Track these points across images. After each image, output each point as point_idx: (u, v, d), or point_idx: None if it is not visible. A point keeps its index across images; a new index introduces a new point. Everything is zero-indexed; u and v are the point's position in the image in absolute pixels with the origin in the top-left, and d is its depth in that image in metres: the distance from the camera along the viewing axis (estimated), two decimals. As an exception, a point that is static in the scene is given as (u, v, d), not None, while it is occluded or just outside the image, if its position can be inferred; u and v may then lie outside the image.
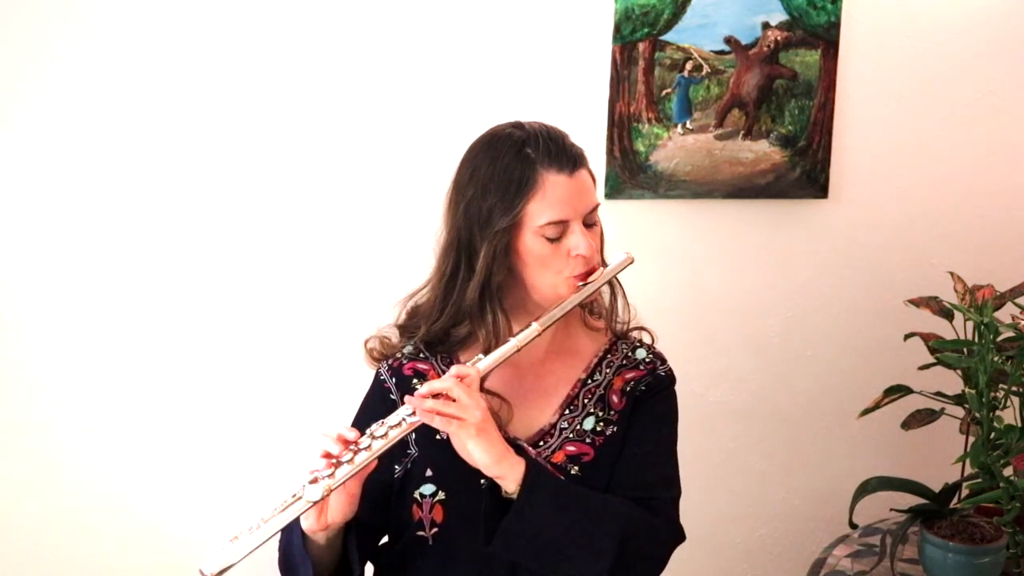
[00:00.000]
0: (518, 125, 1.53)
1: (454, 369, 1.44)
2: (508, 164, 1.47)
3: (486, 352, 1.48)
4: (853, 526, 2.02)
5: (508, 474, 1.42)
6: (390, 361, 1.60)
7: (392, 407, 1.54)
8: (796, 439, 2.50)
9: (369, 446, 1.39)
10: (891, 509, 2.11)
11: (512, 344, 1.46)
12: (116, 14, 2.02)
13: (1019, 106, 2.45)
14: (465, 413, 1.40)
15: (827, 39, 2.28)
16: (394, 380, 1.58)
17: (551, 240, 1.47)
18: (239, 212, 2.14)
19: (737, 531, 2.51)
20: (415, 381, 1.57)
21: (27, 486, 2.15)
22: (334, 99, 2.13)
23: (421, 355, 1.59)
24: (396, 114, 2.16)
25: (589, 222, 1.50)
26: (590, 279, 1.49)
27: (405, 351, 1.60)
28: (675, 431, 1.65)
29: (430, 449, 1.53)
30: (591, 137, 2.22)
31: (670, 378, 1.63)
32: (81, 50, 2.02)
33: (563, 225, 1.47)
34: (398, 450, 1.54)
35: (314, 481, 1.36)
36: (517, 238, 1.47)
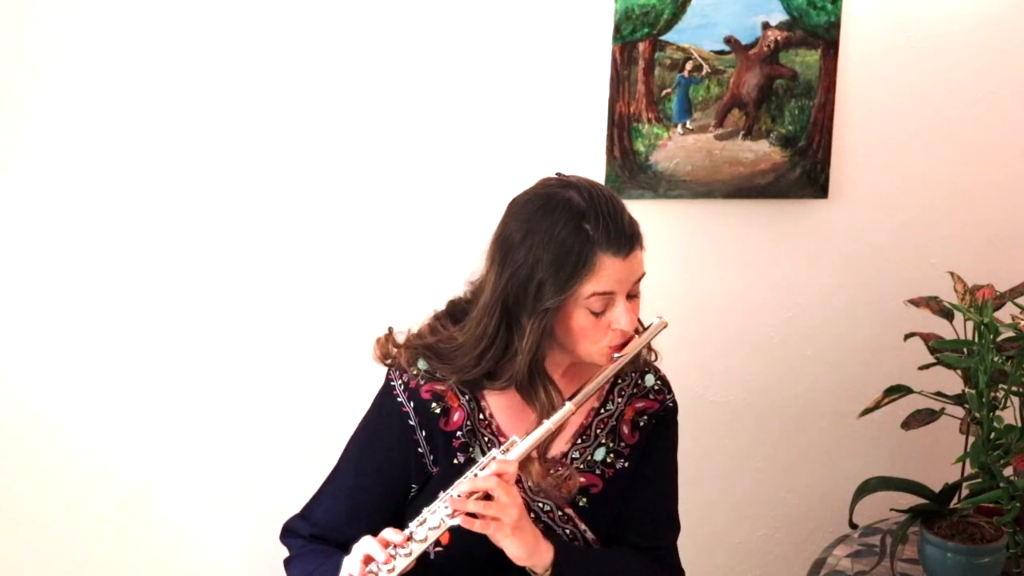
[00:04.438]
0: (574, 186, 1.47)
1: (495, 465, 1.43)
2: (565, 239, 1.43)
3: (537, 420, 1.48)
4: (853, 526, 2.02)
5: (539, 563, 1.46)
6: (405, 379, 1.57)
7: (411, 432, 1.55)
8: (796, 439, 2.50)
9: (409, 552, 1.41)
10: (891, 509, 2.11)
11: (546, 426, 1.47)
12: (116, 14, 2.02)
13: (1019, 106, 2.45)
14: (503, 514, 1.41)
15: (827, 39, 2.28)
16: (412, 404, 1.56)
17: (594, 313, 1.46)
18: (242, 211, 2.13)
19: (737, 531, 2.51)
20: (433, 405, 1.55)
21: (28, 486, 2.15)
22: (335, 99, 2.13)
23: (438, 375, 1.56)
24: (397, 113, 2.16)
25: (632, 293, 1.50)
26: (624, 349, 1.50)
27: (421, 366, 1.57)
28: (676, 460, 1.68)
29: (451, 472, 1.53)
30: (591, 137, 2.23)
31: (676, 408, 1.66)
32: (81, 50, 2.01)
33: (609, 297, 1.46)
34: (418, 470, 1.56)
35: None
36: (563, 312, 1.46)
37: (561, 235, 1.43)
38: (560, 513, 1.55)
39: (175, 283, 2.14)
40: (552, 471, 1.53)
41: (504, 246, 1.48)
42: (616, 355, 1.49)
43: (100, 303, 2.11)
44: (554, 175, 1.53)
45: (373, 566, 1.40)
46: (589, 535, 1.57)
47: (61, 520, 2.16)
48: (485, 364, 1.50)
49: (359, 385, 1.68)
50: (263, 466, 2.23)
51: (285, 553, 1.64)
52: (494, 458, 1.45)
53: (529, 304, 1.45)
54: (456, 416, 1.55)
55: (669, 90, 2.24)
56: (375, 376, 1.65)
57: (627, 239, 1.45)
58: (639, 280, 1.49)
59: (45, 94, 2.02)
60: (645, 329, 1.54)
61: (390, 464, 1.57)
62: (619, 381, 1.61)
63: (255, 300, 2.17)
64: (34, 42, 1.99)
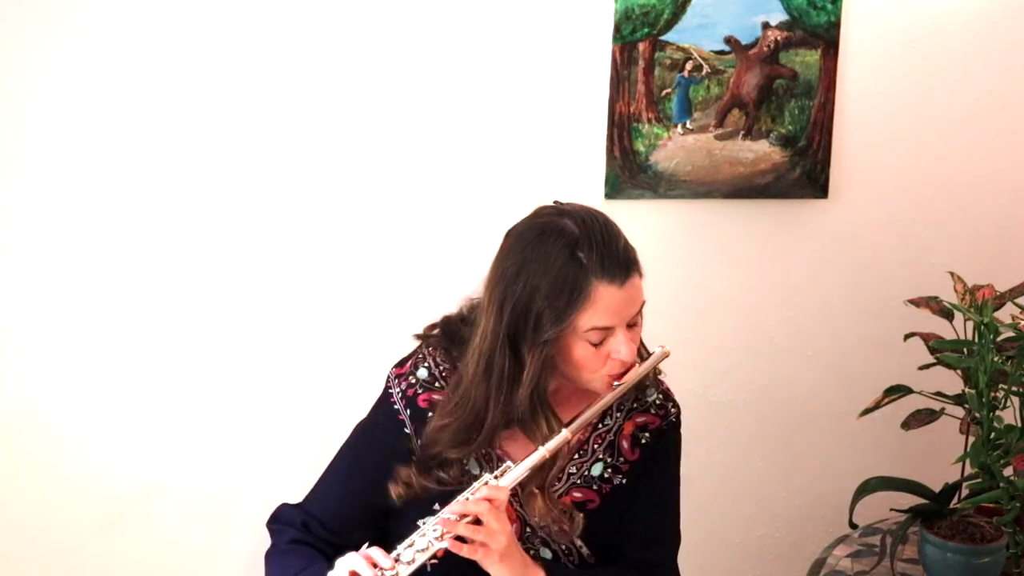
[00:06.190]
0: (568, 214, 1.45)
1: (485, 490, 1.43)
2: (560, 268, 1.41)
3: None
4: (853, 526, 2.02)
5: None
6: (403, 387, 1.56)
7: (405, 441, 1.54)
8: (796, 439, 2.50)
9: (396, 574, 1.40)
10: (891, 509, 2.11)
11: (541, 452, 1.46)
12: (116, 13, 2.02)
13: (1019, 106, 2.45)
14: (492, 540, 1.40)
15: (827, 39, 2.28)
16: (409, 412, 1.55)
17: (594, 344, 1.45)
18: (237, 221, 2.13)
19: (737, 531, 2.51)
20: (430, 414, 1.54)
21: (23, 489, 2.14)
22: (334, 99, 2.13)
23: (437, 384, 1.56)
24: (396, 114, 2.15)
25: (632, 323, 1.48)
26: (624, 377, 1.49)
27: (420, 375, 1.57)
28: (679, 472, 1.66)
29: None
30: (591, 137, 2.23)
31: (678, 421, 1.63)
32: (82, 51, 2.01)
33: (608, 330, 1.45)
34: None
35: None
36: (562, 343, 1.45)
37: (556, 264, 1.41)
38: (555, 529, 1.54)
39: (173, 288, 2.13)
40: (554, 507, 1.51)
41: (502, 280, 1.46)
42: (616, 383, 1.48)
43: (94, 308, 2.11)
44: (551, 203, 1.51)
45: None
46: (585, 551, 1.56)
47: (56, 523, 2.16)
48: (493, 403, 1.47)
49: (353, 390, 1.67)
50: (258, 471, 2.22)
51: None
52: (486, 483, 1.44)
53: (529, 336, 1.43)
54: None
55: (669, 90, 2.24)
56: (369, 381, 1.65)
57: (622, 266, 1.43)
58: (640, 309, 1.48)
59: (48, 95, 2.02)
60: (648, 355, 1.53)
61: (382, 470, 1.55)
62: None
63: (253, 304, 2.17)
64: (36, 44, 1.99)
